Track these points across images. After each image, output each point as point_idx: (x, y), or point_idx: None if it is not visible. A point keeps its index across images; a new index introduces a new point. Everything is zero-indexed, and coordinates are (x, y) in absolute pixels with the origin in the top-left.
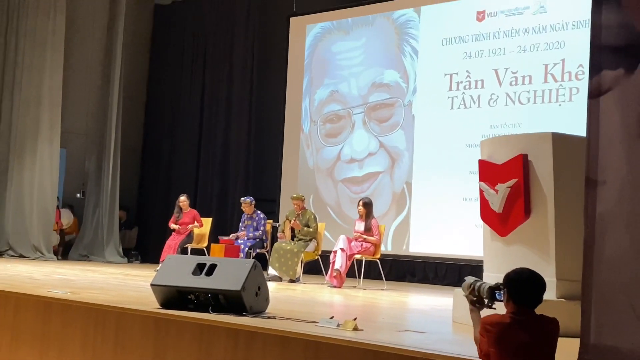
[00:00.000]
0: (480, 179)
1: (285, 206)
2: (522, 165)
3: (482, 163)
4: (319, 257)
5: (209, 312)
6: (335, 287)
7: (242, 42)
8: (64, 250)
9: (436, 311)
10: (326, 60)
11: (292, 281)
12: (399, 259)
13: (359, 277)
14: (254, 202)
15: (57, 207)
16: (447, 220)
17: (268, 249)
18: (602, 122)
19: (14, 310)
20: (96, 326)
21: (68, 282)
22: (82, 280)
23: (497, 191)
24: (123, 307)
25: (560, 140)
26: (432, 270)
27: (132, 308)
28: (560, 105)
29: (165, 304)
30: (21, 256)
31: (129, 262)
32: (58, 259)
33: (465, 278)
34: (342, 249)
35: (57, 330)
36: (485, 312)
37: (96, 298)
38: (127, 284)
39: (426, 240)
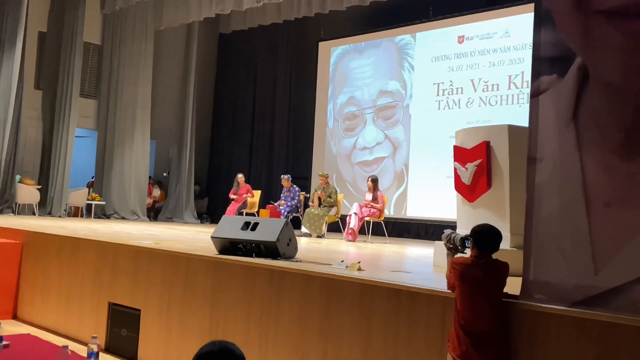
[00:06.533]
0: (455, 160)
1: (315, 182)
2: (485, 149)
3: (456, 148)
4: (339, 220)
5: (253, 257)
6: (350, 241)
7: (284, 61)
8: (154, 214)
9: (422, 258)
10: (345, 74)
11: (319, 237)
12: (399, 221)
13: (368, 234)
14: (290, 178)
15: (150, 183)
16: (435, 192)
17: (301, 213)
18: (540, 115)
19: (113, 256)
20: (171, 267)
21: (154, 236)
22: (165, 235)
23: (466, 169)
24: (191, 253)
25: (514, 131)
26: (423, 229)
27: (198, 254)
28: (520, 106)
29: (221, 251)
30: (123, 218)
31: (201, 222)
32: (150, 220)
33: (444, 230)
34: (355, 213)
35: (144, 270)
36: (458, 257)
37: (173, 247)
38: (196, 238)
39: (419, 207)
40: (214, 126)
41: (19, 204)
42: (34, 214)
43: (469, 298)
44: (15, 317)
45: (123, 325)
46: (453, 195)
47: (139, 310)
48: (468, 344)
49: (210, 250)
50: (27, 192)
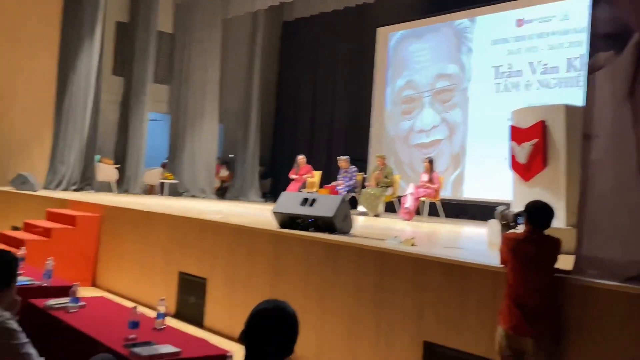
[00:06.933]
0: (512, 139)
1: (372, 164)
2: (541, 129)
3: (512, 128)
4: (395, 200)
5: (311, 231)
6: (406, 220)
7: (343, 46)
8: (222, 193)
9: (477, 236)
10: (404, 58)
11: (376, 216)
12: (455, 202)
13: (424, 214)
14: (349, 159)
15: (218, 164)
16: (492, 174)
17: (359, 193)
18: (596, 91)
19: (182, 229)
20: (236, 239)
21: (221, 212)
22: (231, 211)
23: (522, 148)
24: (254, 227)
25: (571, 110)
26: (480, 210)
27: (260, 228)
28: (579, 88)
29: (281, 225)
30: (193, 196)
31: (265, 201)
32: (218, 199)
33: (497, 208)
34: (411, 193)
35: (210, 242)
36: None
37: (237, 221)
38: (259, 214)
39: (476, 188)
40: (278, 110)
41: (99, 182)
42: (112, 191)
43: (521, 272)
44: (94, 284)
45: (191, 293)
46: (509, 176)
47: (205, 279)
48: (519, 316)
49: (272, 224)
50: (106, 171)
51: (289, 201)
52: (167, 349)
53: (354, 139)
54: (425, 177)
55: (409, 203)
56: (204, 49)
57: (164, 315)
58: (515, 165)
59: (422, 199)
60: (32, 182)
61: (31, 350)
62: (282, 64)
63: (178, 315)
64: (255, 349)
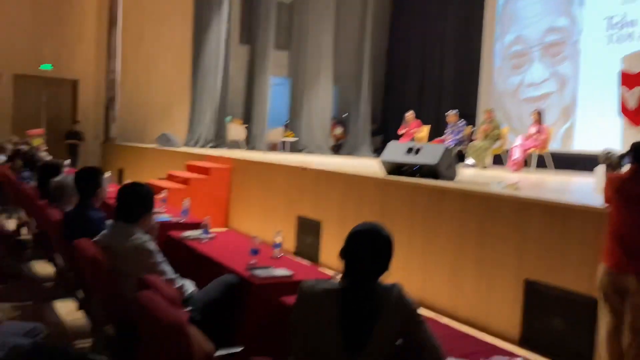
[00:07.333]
0: (622, 84)
1: (480, 118)
2: None
3: (622, 73)
4: (503, 152)
5: (416, 177)
6: (513, 171)
7: (452, 4)
8: (337, 149)
9: (585, 185)
10: (513, 14)
11: (483, 168)
12: (565, 155)
13: (532, 166)
14: (457, 113)
15: (333, 123)
16: (603, 126)
17: (466, 145)
18: None
19: (300, 178)
20: (347, 186)
21: (335, 164)
22: (343, 164)
23: (633, 93)
24: (362, 175)
25: None
26: (590, 161)
27: (369, 176)
28: None
29: (389, 173)
30: (310, 152)
31: (376, 156)
32: (333, 154)
33: (602, 150)
34: (519, 145)
35: (324, 189)
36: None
37: (348, 170)
38: (369, 165)
39: (586, 141)
40: (388, 69)
41: (230, 140)
42: (240, 148)
43: (625, 210)
44: (226, 225)
45: (308, 234)
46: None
47: (320, 221)
48: (622, 254)
49: (380, 173)
50: (236, 131)
51: (396, 150)
52: (281, 272)
53: (463, 95)
54: (533, 129)
55: (516, 154)
56: (320, 16)
57: (280, 244)
58: (624, 111)
59: (531, 150)
60: (173, 140)
61: (167, 268)
62: (392, 24)
63: (297, 254)
64: (352, 265)
